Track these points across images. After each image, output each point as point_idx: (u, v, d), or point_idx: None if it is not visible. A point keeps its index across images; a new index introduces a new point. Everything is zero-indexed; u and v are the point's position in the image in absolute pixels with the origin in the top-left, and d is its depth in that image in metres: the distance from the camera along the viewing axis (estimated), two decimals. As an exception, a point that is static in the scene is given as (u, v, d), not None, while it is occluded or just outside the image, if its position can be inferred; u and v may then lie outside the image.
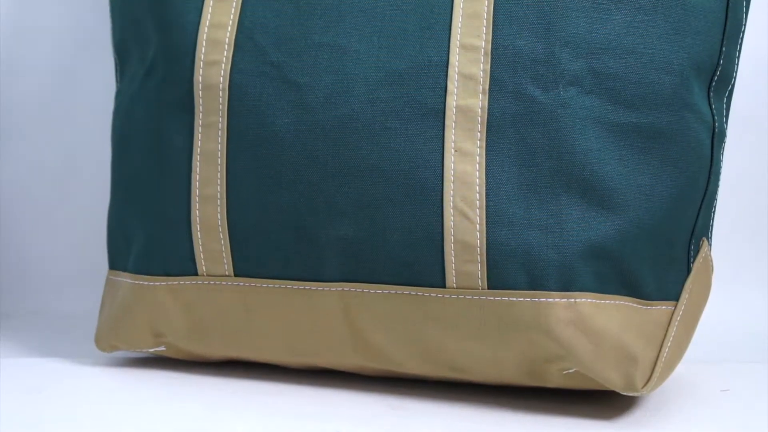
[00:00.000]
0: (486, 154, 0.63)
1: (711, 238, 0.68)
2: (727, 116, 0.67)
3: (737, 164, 0.89)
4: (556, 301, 0.62)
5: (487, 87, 0.63)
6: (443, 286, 0.64)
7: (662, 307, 0.65)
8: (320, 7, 0.66)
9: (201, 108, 0.68)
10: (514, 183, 0.63)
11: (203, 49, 0.68)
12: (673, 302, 0.65)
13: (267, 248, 0.67)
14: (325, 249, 0.66)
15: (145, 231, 0.71)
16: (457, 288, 0.63)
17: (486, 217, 0.63)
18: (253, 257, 0.67)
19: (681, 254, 0.66)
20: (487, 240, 0.63)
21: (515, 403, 0.65)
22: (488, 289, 0.63)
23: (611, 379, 0.63)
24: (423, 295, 0.64)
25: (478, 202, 0.63)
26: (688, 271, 0.66)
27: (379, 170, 0.64)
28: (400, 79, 0.64)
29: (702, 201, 0.66)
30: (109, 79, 0.91)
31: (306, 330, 0.67)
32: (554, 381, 0.64)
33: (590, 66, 0.63)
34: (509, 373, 0.65)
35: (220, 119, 0.67)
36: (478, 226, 0.63)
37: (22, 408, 0.64)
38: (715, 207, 0.68)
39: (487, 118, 0.63)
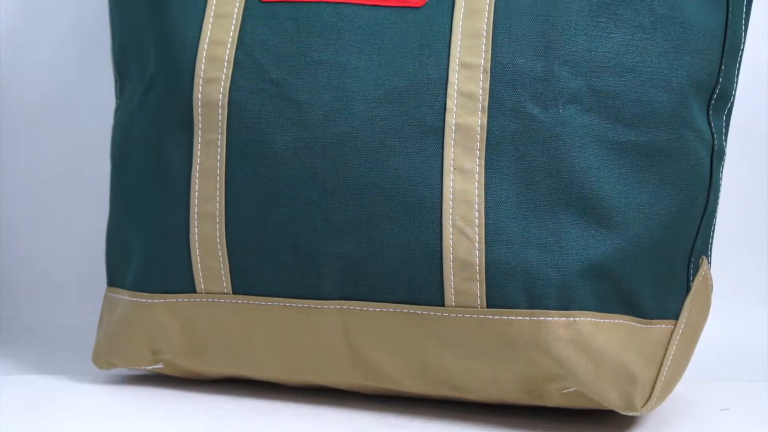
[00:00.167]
0: (485, 172, 0.63)
1: (710, 256, 0.68)
2: (726, 134, 0.67)
3: (737, 182, 0.89)
4: (556, 320, 0.62)
5: (486, 105, 0.63)
6: (442, 304, 0.63)
7: (662, 326, 0.65)
8: (319, 25, 0.66)
9: (200, 125, 0.68)
10: (513, 201, 0.63)
11: (203, 66, 0.68)
12: (673, 321, 0.65)
13: (266, 266, 0.67)
14: (324, 267, 0.66)
15: (143, 247, 0.71)
16: (456, 306, 0.63)
17: (485, 236, 0.62)
18: (251, 275, 0.67)
19: (680, 272, 0.65)
20: (486, 258, 0.62)
21: (514, 423, 0.65)
22: (487, 307, 0.63)
23: (610, 398, 0.62)
24: (422, 313, 0.64)
25: (477, 220, 0.63)
26: (688, 289, 0.66)
27: (378, 188, 0.64)
28: (400, 97, 0.64)
29: (701, 219, 0.66)
30: (109, 93, 0.91)
31: (305, 348, 0.67)
32: (553, 400, 0.64)
33: (589, 84, 0.63)
34: (508, 392, 0.64)
35: (220, 136, 0.67)
36: (477, 244, 0.63)
37: (19, 425, 0.64)
38: (714, 225, 0.68)
39: (487, 136, 0.63)
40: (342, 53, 0.65)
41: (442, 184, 0.63)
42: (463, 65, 0.63)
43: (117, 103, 0.75)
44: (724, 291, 0.86)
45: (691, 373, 0.72)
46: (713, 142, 0.66)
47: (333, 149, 0.65)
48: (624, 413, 0.63)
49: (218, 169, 0.67)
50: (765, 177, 0.91)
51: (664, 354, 0.65)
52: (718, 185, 0.67)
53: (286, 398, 0.70)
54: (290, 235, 0.66)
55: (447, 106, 0.63)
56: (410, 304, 0.64)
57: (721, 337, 0.84)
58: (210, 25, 0.68)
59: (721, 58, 0.65)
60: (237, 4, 0.68)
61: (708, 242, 0.67)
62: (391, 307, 0.65)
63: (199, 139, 0.68)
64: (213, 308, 0.69)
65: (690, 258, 0.66)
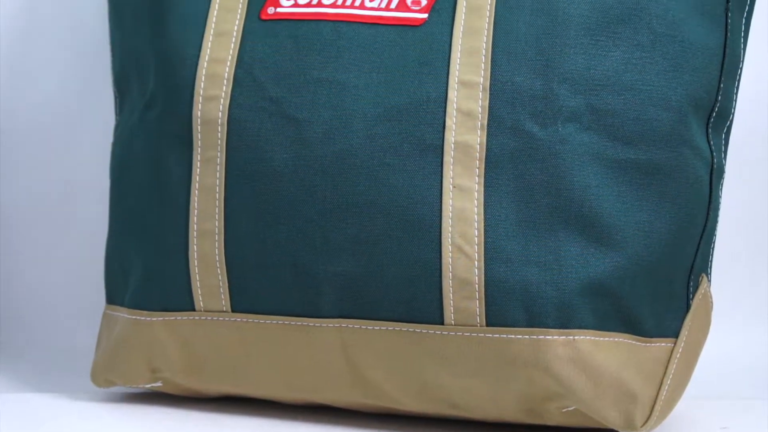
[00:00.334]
0: (484, 191, 0.63)
1: (710, 274, 0.68)
2: (725, 152, 0.67)
3: (736, 199, 0.89)
4: (555, 338, 0.62)
5: (485, 123, 0.63)
6: (441, 322, 0.63)
7: (662, 344, 0.65)
8: (319, 43, 0.66)
9: (200, 142, 0.68)
10: (512, 219, 0.62)
11: (202, 83, 0.68)
12: (673, 339, 0.65)
13: (265, 284, 0.67)
14: (323, 285, 0.65)
15: (142, 265, 0.71)
16: (455, 325, 0.63)
17: (484, 254, 0.62)
18: (250, 293, 0.67)
19: (680, 291, 0.65)
20: (485, 277, 0.62)
21: (514, 441, 0.65)
22: (487, 326, 0.63)
23: (610, 417, 0.62)
24: (421, 331, 0.64)
25: (476, 238, 0.63)
26: (688, 307, 0.66)
27: (377, 206, 0.64)
28: (399, 115, 0.64)
29: (701, 237, 0.66)
30: (108, 110, 0.91)
31: (304, 366, 0.67)
32: (553, 419, 0.64)
33: (589, 102, 0.63)
34: (508, 411, 0.64)
35: (219, 154, 0.67)
36: (476, 262, 0.62)
37: (17, 444, 0.64)
38: (714, 243, 0.68)
39: (486, 155, 0.63)
40: (341, 71, 0.65)
41: (441, 202, 0.63)
42: (463, 83, 0.63)
43: (117, 120, 0.75)
44: (724, 309, 0.86)
45: (691, 391, 0.72)
46: (712, 160, 0.66)
47: (332, 167, 0.65)
48: (624, 432, 0.63)
49: (217, 187, 0.67)
50: (765, 194, 0.91)
51: (664, 372, 0.64)
52: (718, 203, 0.67)
53: (284, 416, 0.70)
54: (289, 253, 0.66)
55: (446, 124, 0.63)
56: (409, 322, 0.64)
57: (721, 355, 0.84)
58: (210, 43, 0.68)
59: (720, 76, 0.65)
60: (237, 22, 0.68)
61: (708, 260, 0.67)
62: (391, 326, 0.64)
63: (199, 156, 0.68)
64: (212, 326, 0.68)
65: (690, 276, 0.66)
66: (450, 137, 0.63)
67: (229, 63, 0.67)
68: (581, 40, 0.63)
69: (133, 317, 0.71)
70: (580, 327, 0.62)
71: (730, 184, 0.87)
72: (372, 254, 0.64)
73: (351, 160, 0.64)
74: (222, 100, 0.67)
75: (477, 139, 0.63)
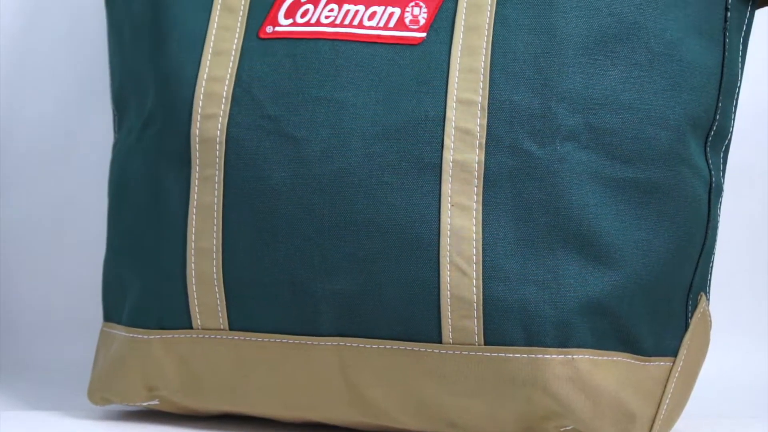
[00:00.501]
0: (483, 209, 0.63)
1: (709, 292, 0.68)
2: (723, 171, 0.67)
3: (735, 218, 0.89)
4: (554, 358, 0.62)
5: (483, 142, 0.63)
6: (439, 341, 0.63)
7: (660, 363, 0.64)
8: (317, 62, 0.66)
9: (198, 161, 0.68)
10: (510, 238, 0.62)
11: (201, 102, 0.68)
12: (672, 358, 0.65)
13: (262, 302, 0.66)
14: (321, 303, 0.65)
15: (140, 283, 0.70)
16: (453, 343, 0.63)
17: (482, 272, 0.62)
18: (248, 311, 0.67)
19: (679, 309, 0.65)
20: (483, 295, 0.62)
21: (512, 460, 0.65)
22: (485, 344, 0.62)
23: (609, 436, 0.62)
24: (419, 350, 0.64)
25: (474, 257, 0.62)
26: (686, 326, 0.66)
27: (376, 224, 0.64)
28: (397, 134, 0.64)
29: (699, 256, 0.66)
30: (106, 129, 0.91)
31: (301, 384, 0.67)
32: (551, 438, 0.64)
33: (587, 121, 0.63)
34: (506, 430, 0.64)
35: (217, 172, 0.67)
36: (474, 281, 0.62)
37: (13, 463, 0.64)
38: (712, 261, 0.68)
39: (484, 173, 0.63)
40: (340, 90, 0.65)
41: (439, 220, 0.63)
42: (461, 102, 0.63)
43: (115, 138, 0.75)
44: (723, 328, 0.86)
45: (690, 410, 0.72)
46: (711, 178, 0.66)
47: (330, 186, 0.65)
48: (623, 452, 0.63)
49: (215, 205, 0.67)
50: (763, 213, 0.91)
51: (663, 391, 0.64)
52: (716, 222, 0.67)
53: (282, 435, 0.69)
54: (287, 272, 0.66)
55: (444, 143, 0.63)
56: (408, 341, 0.64)
57: (720, 374, 0.84)
58: (208, 62, 0.68)
59: (718, 95, 0.65)
60: (235, 41, 0.68)
61: (706, 279, 0.67)
62: (389, 344, 0.64)
63: (197, 174, 0.68)
64: (209, 344, 0.68)
65: (688, 295, 0.66)
66: (448, 156, 0.63)
67: (227, 81, 0.68)
68: (579, 59, 0.63)
69: (131, 335, 0.71)
70: (579, 346, 0.62)
71: (729, 203, 0.87)
72: (370, 273, 0.64)
73: (349, 179, 0.64)
74: (220, 118, 0.67)
75: (475, 157, 0.63)
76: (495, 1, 0.64)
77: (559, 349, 0.62)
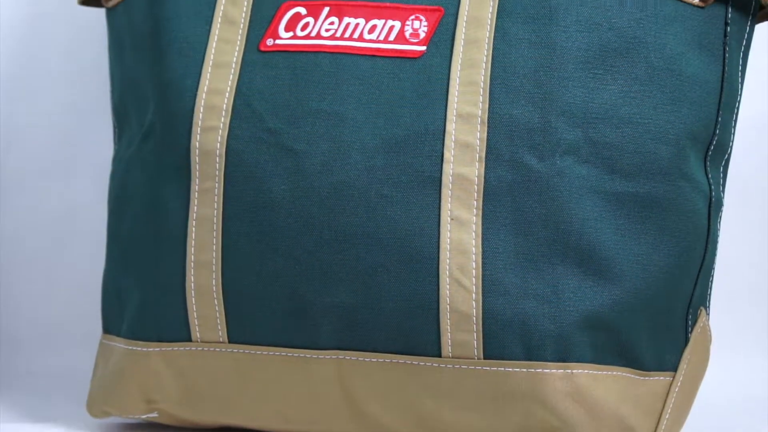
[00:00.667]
0: (482, 223, 0.63)
1: (709, 307, 0.68)
2: (723, 185, 0.67)
3: (735, 232, 0.89)
4: (553, 372, 0.62)
5: (483, 155, 0.63)
6: (439, 355, 0.63)
7: (660, 378, 0.64)
8: (317, 75, 0.66)
9: (197, 173, 0.68)
10: (510, 252, 0.62)
11: (201, 114, 0.68)
12: (671, 373, 0.65)
13: (262, 315, 0.66)
14: (320, 316, 0.65)
15: (139, 295, 0.70)
16: (452, 357, 0.63)
17: (482, 287, 0.62)
18: (247, 324, 0.67)
19: (678, 324, 0.65)
20: (483, 309, 0.62)
21: (511, 475, 0.65)
22: (484, 359, 0.62)
23: (608, 451, 0.62)
24: (418, 364, 0.64)
25: (474, 271, 0.62)
26: (686, 341, 0.66)
27: (375, 238, 0.64)
28: (397, 147, 0.64)
29: (699, 270, 0.66)
30: (107, 141, 0.91)
31: (300, 398, 0.67)
32: (551, 453, 0.64)
33: (587, 135, 0.63)
34: (505, 444, 0.64)
35: (217, 185, 0.67)
36: (474, 295, 0.62)
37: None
38: (712, 276, 0.68)
39: (484, 187, 0.63)
40: (339, 103, 0.65)
41: (439, 234, 0.63)
42: (461, 116, 0.63)
43: (115, 150, 0.75)
44: (723, 342, 0.86)
45: (690, 425, 0.72)
46: (711, 193, 0.66)
47: (330, 198, 0.65)
48: (622, 466, 0.63)
49: (215, 218, 0.67)
50: (763, 228, 0.91)
51: (663, 406, 0.64)
52: (716, 236, 0.67)
53: (281, 449, 0.69)
54: (287, 285, 0.66)
55: (444, 157, 0.63)
56: (407, 354, 0.64)
57: (720, 389, 0.84)
58: (209, 74, 0.68)
59: (718, 109, 0.65)
60: (236, 54, 0.68)
61: (706, 293, 0.67)
62: (388, 358, 0.64)
63: (196, 187, 0.68)
64: (208, 357, 0.68)
65: (688, 309, 0.66)
66: (448, 169, 0.63)
67: (227, 94, 0.68)
68: (579, 74, 0.63)
69: (130, 347, 0.70)
70: (578, 361, 0.62)
71: (729, 217, 0.87)
72: (369, 286, 0.64)
73: (349, 192, 0.64)
74: (220, 131, 0.67)
75: (475, 171, 0.63)
76: (495, 15, 0.64)
77: (559, 364, 0.62)
